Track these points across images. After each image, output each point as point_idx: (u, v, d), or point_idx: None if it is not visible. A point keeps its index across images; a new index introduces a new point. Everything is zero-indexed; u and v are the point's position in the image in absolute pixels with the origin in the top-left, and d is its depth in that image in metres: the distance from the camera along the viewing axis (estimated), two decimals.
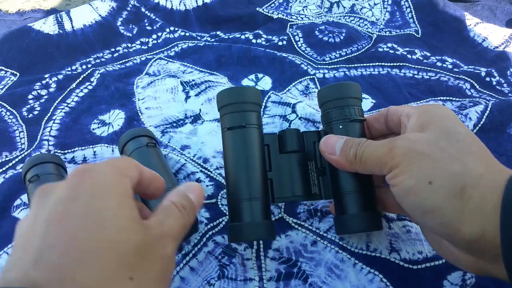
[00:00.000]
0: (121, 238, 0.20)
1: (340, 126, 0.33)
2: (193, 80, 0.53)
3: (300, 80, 0.55)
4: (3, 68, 0.59)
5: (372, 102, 0.51)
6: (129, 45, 0.63)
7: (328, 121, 0.34)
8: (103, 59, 0.61)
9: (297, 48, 0.61)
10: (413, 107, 0.31)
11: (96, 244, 0.20)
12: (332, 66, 0.58)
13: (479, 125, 0.46)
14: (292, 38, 0.63)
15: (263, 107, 0.50)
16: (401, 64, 0.57)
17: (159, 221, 0.23)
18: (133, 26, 0.66)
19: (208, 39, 0.65)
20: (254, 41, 0.63)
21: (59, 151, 0.45)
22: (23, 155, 0.45)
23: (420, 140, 0.27)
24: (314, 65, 0.58)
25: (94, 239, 0.20)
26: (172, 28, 0.66)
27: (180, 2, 0.69)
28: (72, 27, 0.63)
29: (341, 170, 0.32)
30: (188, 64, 0.58)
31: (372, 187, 0.33)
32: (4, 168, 0.44)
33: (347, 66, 0.58)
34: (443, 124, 0.28)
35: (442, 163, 0.25)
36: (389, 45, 0.60)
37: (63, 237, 0.20)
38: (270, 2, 0.71)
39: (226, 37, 0.65)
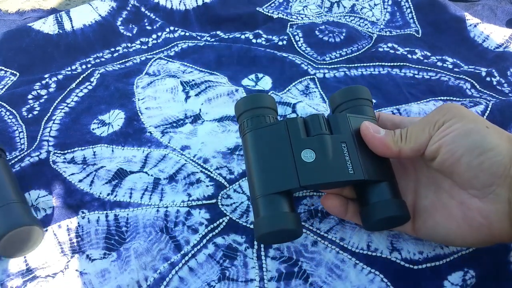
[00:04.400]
0: None
1: None
2: (193, 80, 0.53)
3: (300, 80, 0.55)
4: (3, 68, 0.58)
5: (372, 101, 0.51)
6: (129, 45, 0.63)
7: None
8: (102, 59, 0.61)
9: (297, 48, 0.61)
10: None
11: None
12: (332, 66, 0.58)
13: None
14: (292, 38, 0.63)
15: None
16: (402, 64, 0.57)
17: None
18: (133, 26, 0.66)
19: (208, 39, 0.65)
20: (254, 41, 0.63)
21: (58, 152, 0.45)
22: (22, 155, 0.45)
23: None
24: (314, 65, 0.58)
25: None
26: (172, 28, 0.65)
27: (180, 2, 0.69)
28: (72, 27, 0.63)
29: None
30: (188, 64, 0.58)
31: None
32: None
33: (347, 66, 0.58)
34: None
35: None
36: (390, 45, 0.60)
37: None
38: (270, 2, 0.71)
39: (226, 37, 0.65)
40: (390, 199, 0.31)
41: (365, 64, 0.58)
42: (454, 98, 0.52)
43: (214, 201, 0.40)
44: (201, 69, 0.57)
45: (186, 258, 0.36)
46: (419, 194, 0.33)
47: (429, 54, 0.59)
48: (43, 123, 0.49)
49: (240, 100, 0.36)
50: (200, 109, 0.49)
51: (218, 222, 0.38)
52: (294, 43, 0.62)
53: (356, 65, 0.58)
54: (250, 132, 0.34)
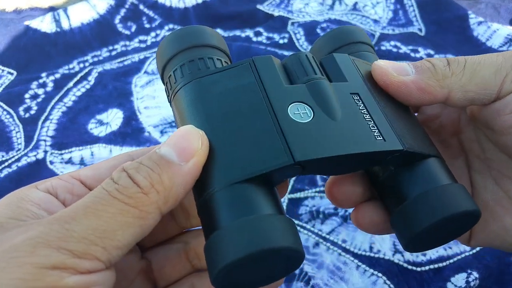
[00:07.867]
0: None
1: None
2: None
3: None
4: (0, 67, 0.58)
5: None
6: (127, 43, 0.62)
7: None
8: (100, 58, 0.60)
9: (298, 46, 0.61)
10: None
11: None
12: None
13: None
14: (293, 36, 0.62)
15: None
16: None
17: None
18: (132, 23, 0.65)
19: None
20: (254, 39, 0.63)
21: (56, 151, 0.45)
22: (19, 155, 0.44)
23: None
24: None
25: None
26: (171, 26, 0.65)
27: None
28: (70, 25, 0.62)
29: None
30: None
31: None
32: None
33: None
34: None
35: None
36: (392, 43, 0.59)
37: None
38: (271, 0, 0.71)
39: (226, 35, 0.64)
40: (449, 185, 0.18)
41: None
42: None
43: None
44: None
45: None
46: (475, 184, 0.22)
47: (432, 52, 0.59)
48: (40, 122, 0.49)
49: (167, 38, 0.23)
50: None
51: None
52: (295, 41, 0.61)
53: None
54: (189, 83, 0.21)
